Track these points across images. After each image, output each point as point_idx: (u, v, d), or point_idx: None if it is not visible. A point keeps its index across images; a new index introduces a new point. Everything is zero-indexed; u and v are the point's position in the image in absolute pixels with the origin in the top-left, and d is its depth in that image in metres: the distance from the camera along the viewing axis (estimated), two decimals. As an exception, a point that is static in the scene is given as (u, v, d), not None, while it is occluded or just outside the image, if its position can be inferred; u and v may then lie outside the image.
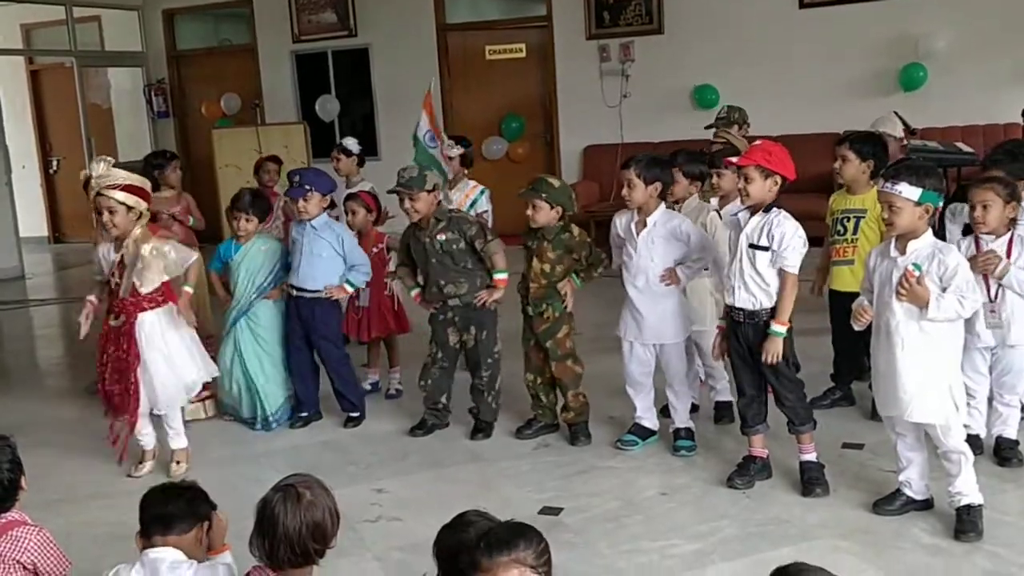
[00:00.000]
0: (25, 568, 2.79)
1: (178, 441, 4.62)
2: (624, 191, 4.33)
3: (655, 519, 3.85)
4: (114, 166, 4.36)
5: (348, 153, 6.39)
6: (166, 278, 4.44)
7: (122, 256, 4.36)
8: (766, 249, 3.85)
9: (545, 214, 4.51)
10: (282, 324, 5.17)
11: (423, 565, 3.46)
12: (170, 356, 4.46)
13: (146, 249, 4.33)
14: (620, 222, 4.48)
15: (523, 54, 10.84)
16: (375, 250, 5.47)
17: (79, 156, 12.01)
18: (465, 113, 10.85)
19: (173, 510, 2.58)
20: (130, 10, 12.21)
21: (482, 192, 5.91)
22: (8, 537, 2.79)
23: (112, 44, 12.50)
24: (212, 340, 6.34)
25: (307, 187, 4.92)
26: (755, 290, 3.90)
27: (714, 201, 4.74)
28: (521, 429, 4.80)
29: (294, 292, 5.05)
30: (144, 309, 4.40)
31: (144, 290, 4.37)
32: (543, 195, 4.50)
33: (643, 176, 4.28)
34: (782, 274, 3.86)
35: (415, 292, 4.90)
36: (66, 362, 7.18)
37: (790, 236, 3.82)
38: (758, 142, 3.99)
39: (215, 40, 12.47)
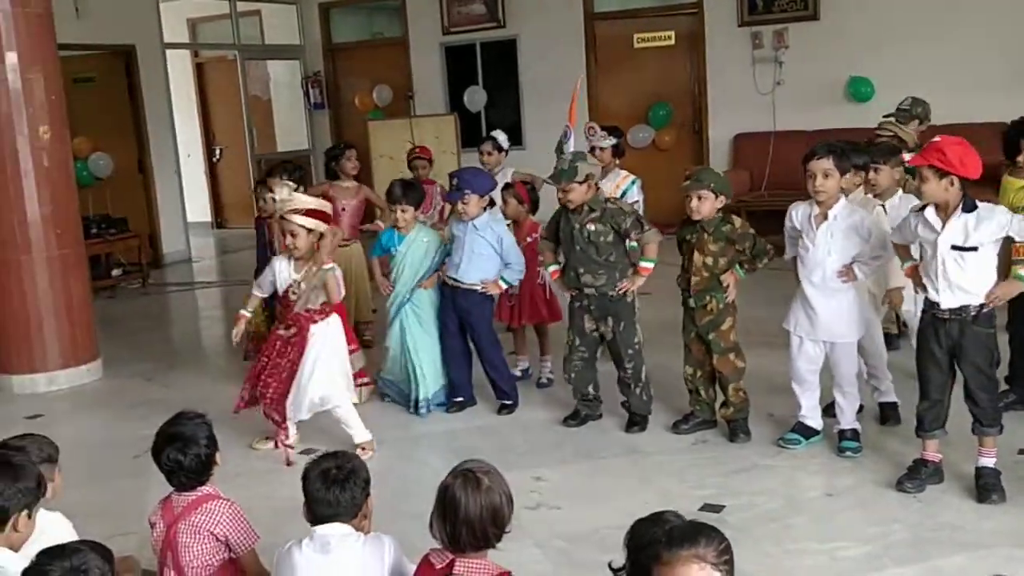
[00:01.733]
0: (217, 540, 2.97)
1: (358, 436, 4.77)
2: (818, 182, 4.15)
3: (821, 520, 3.78)
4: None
5: (500, 148, 6.63)
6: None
7: (303, 277, 4.63)
8: (974, 249, 3.71)
9: (710, 204, 4.45)
10: (438, 310, 5.32)
11: (584, 555, 3.54)
12: (317, 366, 4.64)
13: (319, 276, 4.61)
14: (796, 214, 4.36)
15: (672, 41, 10.73)
16: (528, 240, 5.53)
17: (241, 146, 12.55)
18: (611, 101, 10.82)
19: (342, 506, 2.68)
20: (289, 4, 12.66)
21: (633, 182, 5.89)
22: (203, 510, 2.98)
23: (272, 38, 12.96)
24: (371, 325, 6.58)
25: (465, 191, 5.07)
26: (960, 290, 3.76)
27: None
28: (678, 424, 4.77)
29: (452, 282, 5.18)
30: (315, 322, 4.67)
31: (313, 307, 4.67)
32: (711, 184, 4.44)
33: (839, 166, 4.18)
34: None
35: (553, 268, 4.95)
36: (230, 342, 7.50)
37: (1005, 219, 3.71)
38: (936, 139, 3.78)
39: (368, 33, 12.79)
